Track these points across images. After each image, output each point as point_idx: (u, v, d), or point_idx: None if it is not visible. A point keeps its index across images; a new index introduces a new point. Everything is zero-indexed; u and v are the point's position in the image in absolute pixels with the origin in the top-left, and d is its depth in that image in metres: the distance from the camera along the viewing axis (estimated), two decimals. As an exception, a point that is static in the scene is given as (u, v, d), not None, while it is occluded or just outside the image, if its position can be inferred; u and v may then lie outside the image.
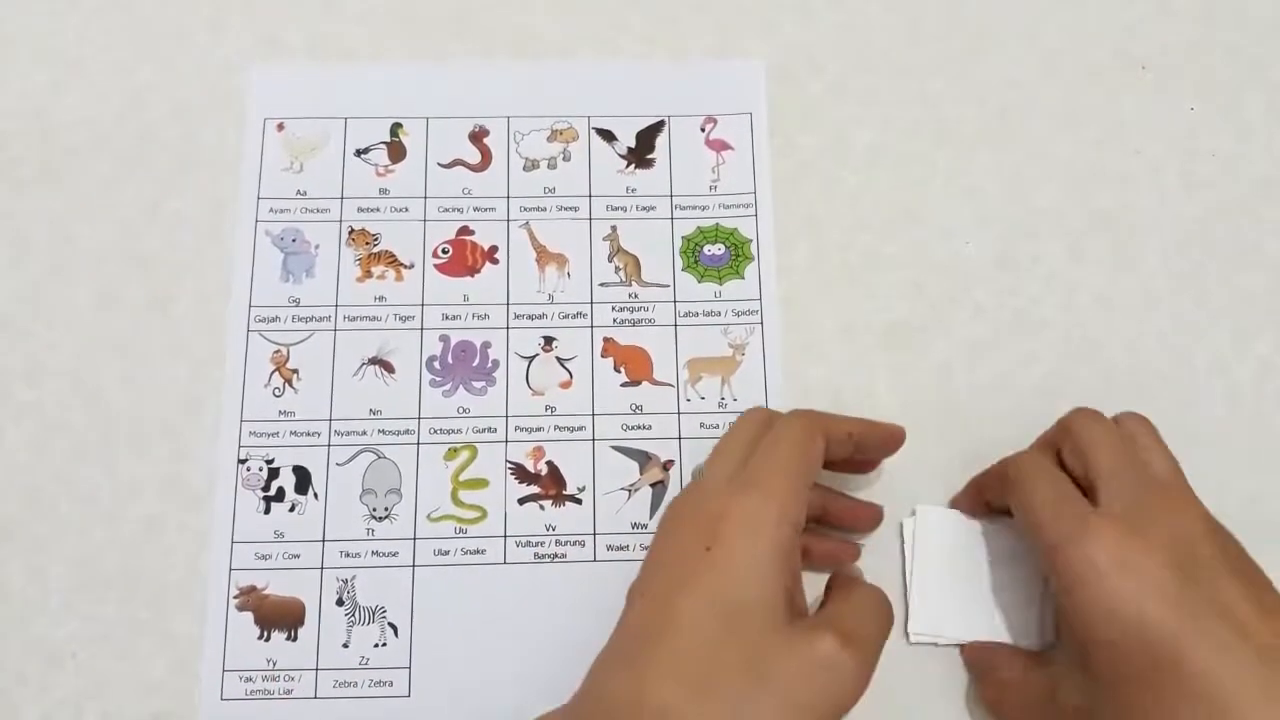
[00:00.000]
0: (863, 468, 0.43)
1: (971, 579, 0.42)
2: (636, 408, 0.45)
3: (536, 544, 0.43)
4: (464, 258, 0.47)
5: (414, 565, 0.43)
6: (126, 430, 0.44)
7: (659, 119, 0.49)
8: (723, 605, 0.34)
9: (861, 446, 0.41)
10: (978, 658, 0.41)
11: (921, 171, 0.48)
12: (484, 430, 0.45)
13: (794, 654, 0.33)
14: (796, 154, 0.48)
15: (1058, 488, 0.38)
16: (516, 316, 0.46)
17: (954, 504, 0.43)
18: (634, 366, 0.46)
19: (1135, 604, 0.34)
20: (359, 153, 0.48)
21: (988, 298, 0.47)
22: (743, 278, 0.47)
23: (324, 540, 0.43)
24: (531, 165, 0.48)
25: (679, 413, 0.45)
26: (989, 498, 0.42)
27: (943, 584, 0.42)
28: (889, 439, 0.42)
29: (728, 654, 0.33)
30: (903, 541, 0.43)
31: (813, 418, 0.39)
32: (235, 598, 0.42)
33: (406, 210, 0.47)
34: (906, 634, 0.42)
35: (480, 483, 0.44)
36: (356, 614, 0.42)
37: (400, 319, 0.46)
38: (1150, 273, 0.47)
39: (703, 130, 0.49)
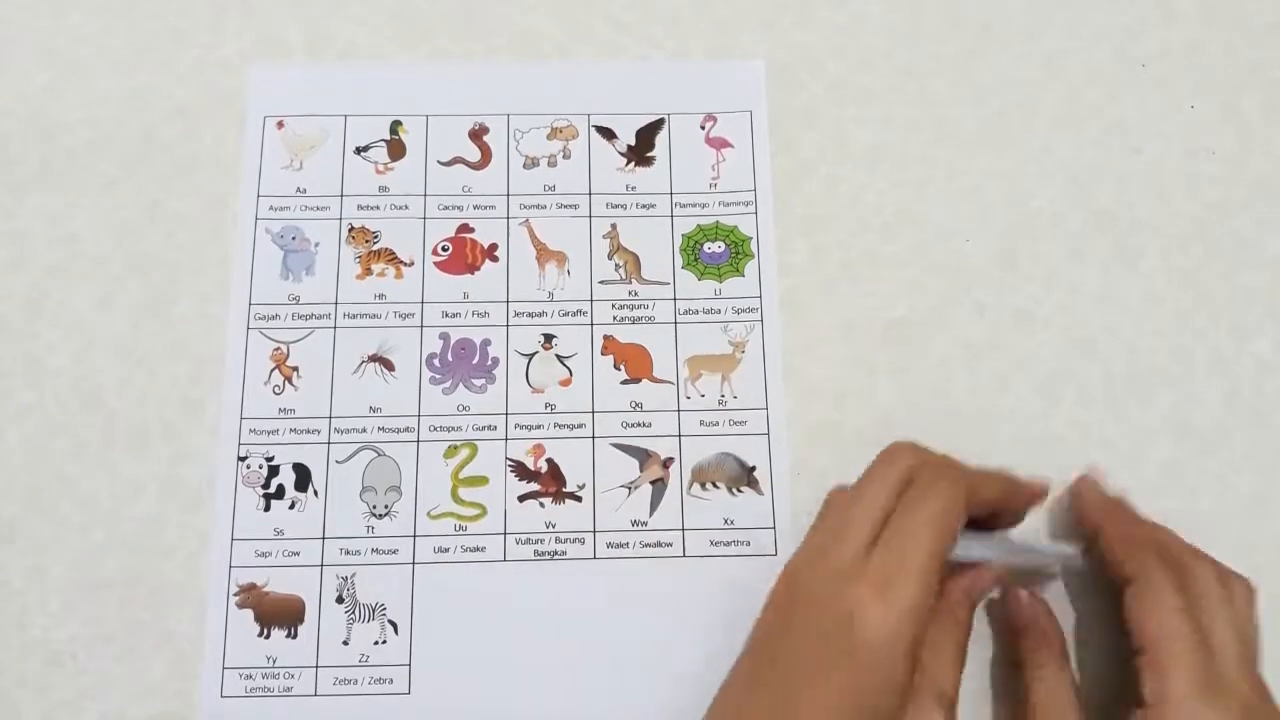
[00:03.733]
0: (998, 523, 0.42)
1: None
2: (636, 405, 0.45)
3: (536, 541, 0.43)
4: (464, 255, 0.47)
5: (414, 563, 0.43)
6: (126, 430, 0.44)
7: (659, 117, 0.49)
8: (856, 711, 0.34)
9: (999, 510, 0.40)
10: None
11: (921, 171, 0.48)
12: (484, 428, 0.45)
13: None
14: (796, 154, 0.48)
15: (1198, 642, 0.37)
16: (516, 314, 0.46)
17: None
18: (634, 364, 0.46)
19: None
20: (359, 150, 0.48)
21: (988, 297, 0.47)
22: (743, 275, 0.47)
23: (324, 537, 0.43)
24: (531, 163, 0.48)
25: (679, 410, 0.45)
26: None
27: None
28: (1030, 499, 0.41)
29: None
30: None
31: (958, 486, 0.37)
32: (235, 595, 0.42)
33: (406, 208, 0.47)
34: None
35: (480, 480, 0.44)
36: (356, 611, 0.42)
37: (400, 316, 0.46)
38: (1150, 272, 0.47)
39: (702, 128, 0.49)
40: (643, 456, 0.44)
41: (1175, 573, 0.38)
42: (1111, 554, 0.40)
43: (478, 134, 0.48)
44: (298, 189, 0.47)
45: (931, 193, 0.48)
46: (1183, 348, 0.46)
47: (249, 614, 0.42)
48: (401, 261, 0.47)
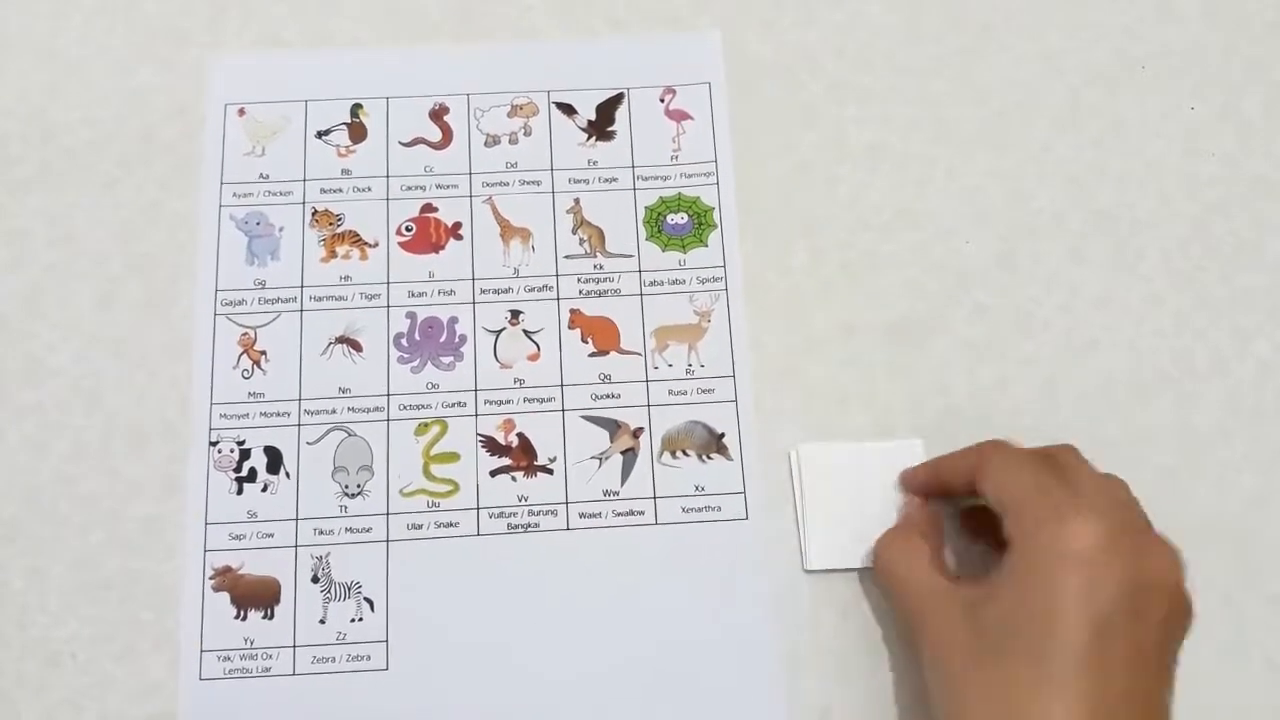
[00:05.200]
0: None
1: (856, 507, 0.43)
2: (605, 377, 0.45)
3: (509, 515, 0.43)
4: (428, 235, 0.47)
5: (388, 540, 0.43)
6: (126, 430, 0.44)
7: (618, 91, 0.49)
8: None
9: None
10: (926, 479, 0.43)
11: (921, 171, 0.48)
12: (453, 405, 0.45)
13: None
14: (796, 153, 0.48)
15: (1047, 483, 0.38)
16: (482, 291, 0.46)
17: (907, 480, 0.43)
18: (601, 337, 0.46)
19: (1085, 603, 0.34)
20: (320, 134, 0.48)
21: (988, 297, 0.47)
22: (706, 245, 0.47)
23: (297, 519, 0.43)
24: (492, 141, 0.48)
25: (647, 381, 0.45)
26: (949, 480, 0.42)
27: (830, 515, 0.43)
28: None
29: None
30: (792, 475, 0.44)
31: None
32: (211, 579, 0.43)
33: (369, 190, 0.47)
34: (802, 563, 0.43)
35: (451, 456, 0.44)
36: (332, 590, 0.42)
37: (366, 298, 0.46)
38: (1150, 273, 0.47)
39: (662, 101, 0.49)
40: (613, 427, 0.45)
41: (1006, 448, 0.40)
42: (958, 479, 0.41)
43: (438, 114, 0.49)
44: (260, 175, 0.48)
45: (931, 193, 0.48)
46: (1183, 348, 0.46)
47: (225, 597, 0.42)
48: (366, 243, 0.47)
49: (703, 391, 0.45)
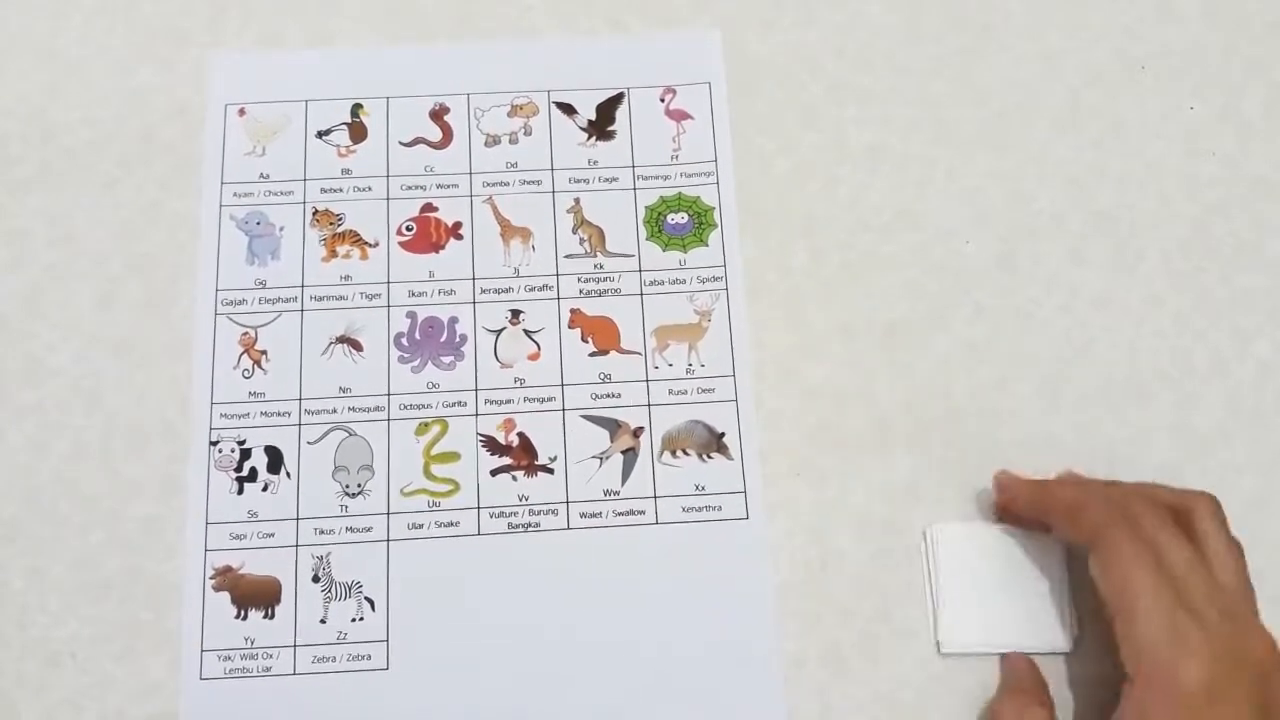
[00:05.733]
0: None
1: (994, 588, 0.42)
2: (605, 377, 0.45)
3: (510, 514, 0.43)
4: (428, 234, 0.47)
5: (388, 540, 0.43)
6: (126, 430, 0.44)
7: (618, 91, 0.49)
8: None
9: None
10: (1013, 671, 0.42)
11: (921, 172, 0.48)
12: (454, 404, 0.45)
13: None
14: (796, 153, 0.48)
15: (1161, 586, 0.37)
16: (483, 291, 0.46)
17: (1003, 483, 0.43)
18: (601, 336, 0.46)
19: None
20: (320, 134, 0.48)
21: (988, 298, 0.47)
22: (706, 245, 0.47)
23: (298, 518, 0.43)
24: (493, 141, 0.48)
25: (648, 380, 0.45)
26: (1045, 517, 0.42)
27: (966, 595, 0.42)
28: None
29: None
30: (925, 555, 0.43)
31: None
32: (211, 578, 0.43)
33: (369, 189, 0.47)
34: (938, 646, 0.42)
35: (452, 456, 0.44)
36: (333, 590, 0.43)
37: (367, 297, 0.46)
38: (1150, 273, 0.47)
39: (662, 101, 0.49)
40: (613, 427, 0.45)
41: (1128, 524, 0.38)
42: (1063, 528, 0.41)
43: (438, 114, 0.49)
44: (261, 175, 0.48)
45: (931, 193, 0.48)
46: (1183, 349, 0.46)
47: (225, 596, 0.42)
48: (366, 242, 0.47)
49: (703, 391, 0.45)
